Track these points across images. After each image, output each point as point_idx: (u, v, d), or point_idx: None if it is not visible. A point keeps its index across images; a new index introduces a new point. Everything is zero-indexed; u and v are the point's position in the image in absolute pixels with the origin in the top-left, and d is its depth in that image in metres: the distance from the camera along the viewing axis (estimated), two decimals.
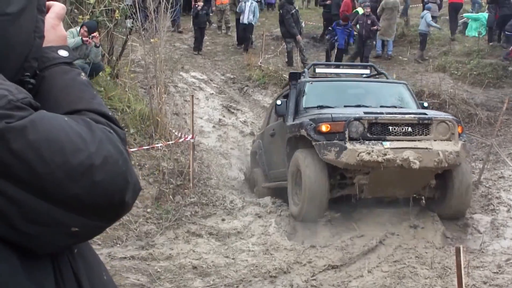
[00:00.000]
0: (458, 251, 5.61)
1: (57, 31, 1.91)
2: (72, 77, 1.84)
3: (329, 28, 22.63)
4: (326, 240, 9.96)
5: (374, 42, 23.05)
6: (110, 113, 1.82)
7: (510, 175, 12.99)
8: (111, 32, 14.18)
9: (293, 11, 22.12)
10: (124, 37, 15.12)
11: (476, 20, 25.49)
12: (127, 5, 14.14)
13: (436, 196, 10.79)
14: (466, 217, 10.90)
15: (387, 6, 23.40)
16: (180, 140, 11.85)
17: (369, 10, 22.39)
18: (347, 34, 21.81)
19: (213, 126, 17.24)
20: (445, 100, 18.44)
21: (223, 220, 10.46)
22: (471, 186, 10.91)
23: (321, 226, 10.43)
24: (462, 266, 5.61)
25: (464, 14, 27.17)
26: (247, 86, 20.45)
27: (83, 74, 1.89)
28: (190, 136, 11.61)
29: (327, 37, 22.57)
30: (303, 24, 25.09)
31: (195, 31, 24.11)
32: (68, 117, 1.66)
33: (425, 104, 12.55)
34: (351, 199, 10.73)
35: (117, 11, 13.75)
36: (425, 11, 23.90)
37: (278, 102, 11.61)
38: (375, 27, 22.10)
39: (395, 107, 11.71)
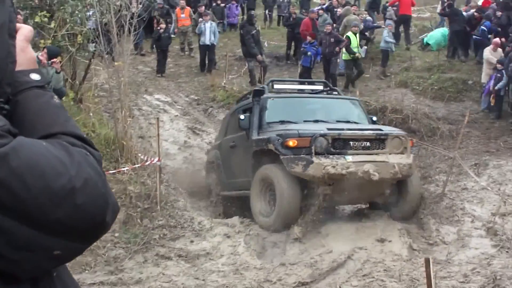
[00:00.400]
0: (427, 262, 5.70)
1: (26, 53, 1.91)
2: (45, 101, 1.86)
3: (302, 48, 22.72)
4: (295, 257, 10.07)
5: (338, 60, 23.21)
6: (84, 135, 1.85)
7: (473, 186, 13.16)
8: (73, 56, 14.14)
9: (253, 32, 22.20)
10: (87, 61, 15.09)
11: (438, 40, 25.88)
12: (90, 28, 14.10)
13: (391, 201, 11.72)
14: (432, 229, 11.06)
15: (349, 24, 23.63)
16: (147, 163, 11.84)
17: (330, 28, 22.53)
18: (315, 52, 21.89)
19: (179, 148, 17.23)
20: (408, 115, 18.62)
21: (191, 241, 10.46)
22: (420, 192, 12.25)
23: (289, 243, 10.58)
24: (432, 276, 5.70)
25: (422, 37, 27.52)
26: (211, 107, 20.48)
27: (55, 97, 1.91)
28: (156, 159, 11.62)
29: (301, 62, 22.60)
30: (265, 44, 25.30)
31: (157, 54, 24.10)
32: (45, 141, 1.69)
33: (374, 119, 13.62)
34: (318, 215, 11.16)
35: (79, 35, 13.73)
36: (384, 28, 24.27)
37: (242, 116, 12.24)
38: (342, 45, 22.22)
39: (349, 121, 12.65)
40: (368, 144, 11.18)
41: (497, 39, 20.61)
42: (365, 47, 23.77)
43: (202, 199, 14.48)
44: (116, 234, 10.22)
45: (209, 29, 23.99)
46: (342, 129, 11.26)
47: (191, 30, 26.18)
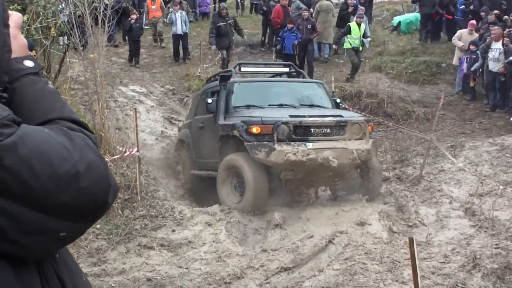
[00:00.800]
0: (411, 241, 5.78)
1: (18, 40, 1.94)
2: (41, 87, 1.90)
3: (278, 38, 22.67)
4: (277, 243, 10.14)
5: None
6: (80, 119, 1.88)
7: (450, 168, 13.29)
8: (47, 49, 14.04)
9: (220, 24, 22.22)
10: (61, 54, 15.01)
11: (408, 22, 26.03)
12: (63, 21, 14.01)
13: (354, 183, 12.15)
14: (411, 211, 11.17)
15: (322, 9, 23.65)
16: (125, 154, 11.83)
17: (307, 14, 22.50)
18: (295, 39, 21.83)
19: (156, 139, 17.20)
20: (383, 99, 18.78)
21: (173, 231, 10.47)
22: (381, 173, 12.81)
23: (270, 230, 10.65)
24: (416, 256, 5.77)
25: (394, 18, 27.66)
26: (187, 96, 20.44)
27: (49, 82, 1.94)
28: (135, 150, 11.60)
29: (278, 47, 22.56)
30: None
31: (129, 44, 24.05)
32: (46, 128, 1.72)
33: (338, 101, 14.07)
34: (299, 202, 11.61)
35: (52, 28, 13.64)
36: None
37: (209, 100, 12.62)
38: (314, 35, 22.21)
39: (313, 105, 13.10)
40: (328, 130, 11.61)
41: (473, 21, 20.76)
42: (369, 39, 23.14)
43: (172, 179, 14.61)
44: (98, 226, 10.19)
45: (180, 19, 23.94)
46: (304, 116, 11.61)
47: (162, 21, 25.98)
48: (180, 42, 24.32)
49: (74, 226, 1.72)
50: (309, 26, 22.09)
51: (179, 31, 23.94)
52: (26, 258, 1.69)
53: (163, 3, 26.32)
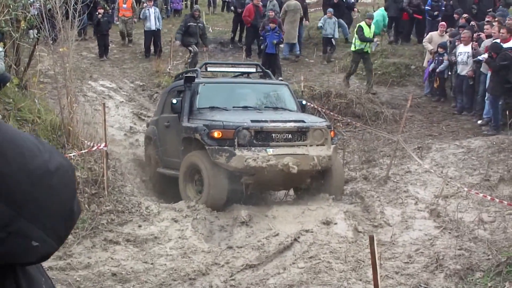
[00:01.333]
0: (371, 239, 5.84)
1: None
2: None
3: (261, 37, 22.68)
4: (242, 240, 10.18)
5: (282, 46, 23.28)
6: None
7: (416, 170, 13.41)
8: (17, 42, 13.96)
9: (191, 23, 22.32)
10: (31, 47, 14.92)
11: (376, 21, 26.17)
12: (33, 14, 13.92)
13: (312, 187, 12.24)
14: (376, 211, 11.27)
15: (289, 9, 23.71)
16: (93, 149, 11.80)
17: (272, 14, 22.55)
18: (276, 38, 21.84)
19: (125, 134, 17.18)
20: (352, 99, 18.90)
21: (139, 226, 10.47)
22: (343, 176, 12.95)
23: (236, 227, 10.69)
24: (376, 253, 5.84)
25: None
26: (156, 93, 20.39)
27: None
28: (103, 145, 11.58)
29: (262, 47, 22.48)
30: (210, 30, 25.39)
31: (97, 39, 23.99)
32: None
33: (304, 103, 14.09)
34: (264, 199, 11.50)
35: (22, 21, 13.57)
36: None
37: (174, 101, 12.65)
38: (277, 42, 22.19)
39: (277, 108, 13.23)
40: (290, 136, 11.66)
41: (443, 23, 20.92)
42: (378, 42, 22.97)
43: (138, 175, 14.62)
44: None
45: (153, 15, 23.93)
46: (266, 121, 11.67)
47: (132, 20, 25.74)
48: (153, 38, 24.28)
49: (46, 239, 1.68)
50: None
51: (153, 27, 23.92)
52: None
53: (135, 3, 26.07)
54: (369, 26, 21.10)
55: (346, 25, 25.72)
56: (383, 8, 25.65)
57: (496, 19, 17.73)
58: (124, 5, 25.23)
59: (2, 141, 1.61)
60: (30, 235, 1.65)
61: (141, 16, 24.56)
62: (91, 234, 9.96)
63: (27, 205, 1.63)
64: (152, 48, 24.59)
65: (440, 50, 19.30)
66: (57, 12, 12.72)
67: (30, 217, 1.64)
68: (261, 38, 22.50)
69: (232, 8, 26.85)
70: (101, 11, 23.49)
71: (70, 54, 13.49)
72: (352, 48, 21.24)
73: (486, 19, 18.67)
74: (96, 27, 23.84)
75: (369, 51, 21.31)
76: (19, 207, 1.62)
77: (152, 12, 23.92)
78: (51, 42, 13.75)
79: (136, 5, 26.71)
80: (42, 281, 1.89)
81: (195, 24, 22.44)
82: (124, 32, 25.63)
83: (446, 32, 20.38)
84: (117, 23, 26.66)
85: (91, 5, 20.50)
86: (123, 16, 25.29)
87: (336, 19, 24.26)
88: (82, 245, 9.68)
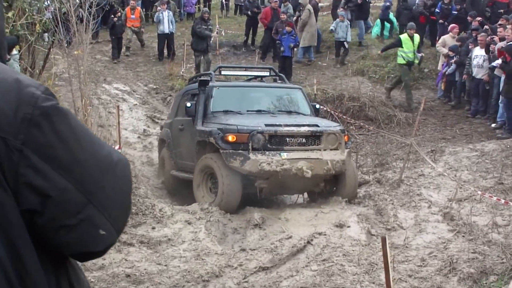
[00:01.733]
0: (384, 240, 5.84)
1: None
2: None
3: (277, 41, 22.67)
4: (256, 243, 10.18)
5: (296, 49, 23.28)
6: None
7: (429, 173, 13.39)
8: (32, 46, 14.05)
9: (199, 26, 22.32)
10: (46, 51, 15.00)
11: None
12: (48, 18, 14.00)
13: (326, 191, 12.30)
14: (389, 215, 11.26)
15: (311, 11, 23.68)
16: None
17: (285, 16, 22.57)
18: (293, 41, 21.89)
19: (138, 137, 17.25)
20: (365, 102, 18.89)
21: (153, 228, 10.49)
22: (357, 180, 12.80)
23: (249, 229, 10.69)
24: (389, 255, 5.84)
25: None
26: (170, 96, 20.48)
27: None
28: (117, 147, 11.64)
29: (281, 48, 22.41)
30: (223, 33, 25.46)
31: (112, 41, 24.08)
32: None
33: (317, 106, 14.19)
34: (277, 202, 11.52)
35: (37, 24, 13.64)
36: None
37: (188, 104, 12.67)
38: (294, 46, 22.21)
39: (291, 111, 13.25)
40: (304, 140, 11.70)
41: (454, 25, 20.83)
42: (422, 54, 21.36)
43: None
44: None
45: (167, 18, 23.98)
46: (280, 125, 11.69)
47: (142, 29, 25.62)
48: (166, 41, 24.35)
49: (111, 229, 1.74)
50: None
51: (166, 30, 23.98)
52: (63, 250, 1.73)
53: (142, 14, 25.99)
54: (411, 37, 20.18)
55: (364, 28, 25.70)
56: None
57: (510, 21, 17.66)
58: (133, 16, 24.81)
59: (76, 127, 1.65)
60: (98, 224, 1.71)
61: (155, 20, 24.62)
62: None
63: (97, 193, 1.69)
64: (165, 51, 24.63)
65: (450, 53, 19.27)
66: (72, 15, 12.79)
67: (99, 205, 1.70)
68: (277, 42, 22.46)
69: (247, 11, 26.78)
70: (118, 14, 23.58)
71: (85, 57, 13.56)
72: (400, 61, 20.33)
73: (499, 22, 18.60)
74: (111, 30, 23.93)
75: (416, 62, 20.65)
76: (90, 194, 1.68)
77: (166, 16, 23.97)
78: (66, 45, 13.83)
79: (149, 10, 26.75)
80: (86, 281, 1.96)
81: (205, 27, 22.46)
82: (131, 41, 25.45)
83: (458, 35, 20.34)
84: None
85: (106, 8, 20.60)
86: (132, 26, 24.87)
87: (349, 23, 24.21)
88: None
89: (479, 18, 20.35)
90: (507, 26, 16.92)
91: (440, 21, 23.33)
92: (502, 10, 20.35)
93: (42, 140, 1.62)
